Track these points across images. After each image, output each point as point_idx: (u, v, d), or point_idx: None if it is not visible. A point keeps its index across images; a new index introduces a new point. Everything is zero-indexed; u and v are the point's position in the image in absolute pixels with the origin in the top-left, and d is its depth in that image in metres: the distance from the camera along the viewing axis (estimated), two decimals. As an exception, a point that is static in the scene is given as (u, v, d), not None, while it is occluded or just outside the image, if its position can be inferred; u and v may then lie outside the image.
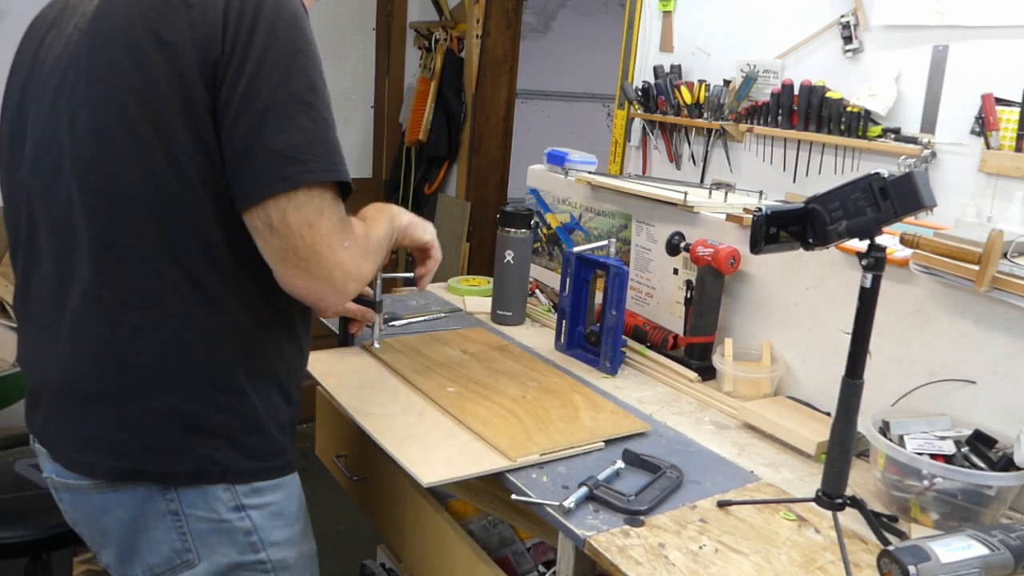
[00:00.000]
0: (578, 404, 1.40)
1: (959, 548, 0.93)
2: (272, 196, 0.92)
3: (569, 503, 1.08)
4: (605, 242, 1.67)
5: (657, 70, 2.17)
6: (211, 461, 1.02)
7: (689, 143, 2.16)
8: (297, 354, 1.14)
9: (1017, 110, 1.47)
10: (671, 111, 2.15)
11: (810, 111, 1.80)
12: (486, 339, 1.72)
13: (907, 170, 1.14)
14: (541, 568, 1.67)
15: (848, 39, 1.75)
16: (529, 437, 1.25)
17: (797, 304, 1.47)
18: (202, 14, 0.91)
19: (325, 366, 1.48)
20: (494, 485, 1.25)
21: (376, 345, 1.59)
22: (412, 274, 1.41)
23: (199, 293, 0.98)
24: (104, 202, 0.96)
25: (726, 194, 1.72)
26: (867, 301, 1.02)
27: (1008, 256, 1.19)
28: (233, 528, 1.06)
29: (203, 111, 0.92)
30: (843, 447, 1.06)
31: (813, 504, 1.09)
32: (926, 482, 1.08)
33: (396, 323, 1.77)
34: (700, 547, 1.03)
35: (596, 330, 1.62)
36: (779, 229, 1.06)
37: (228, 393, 1.03)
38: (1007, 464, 1.09)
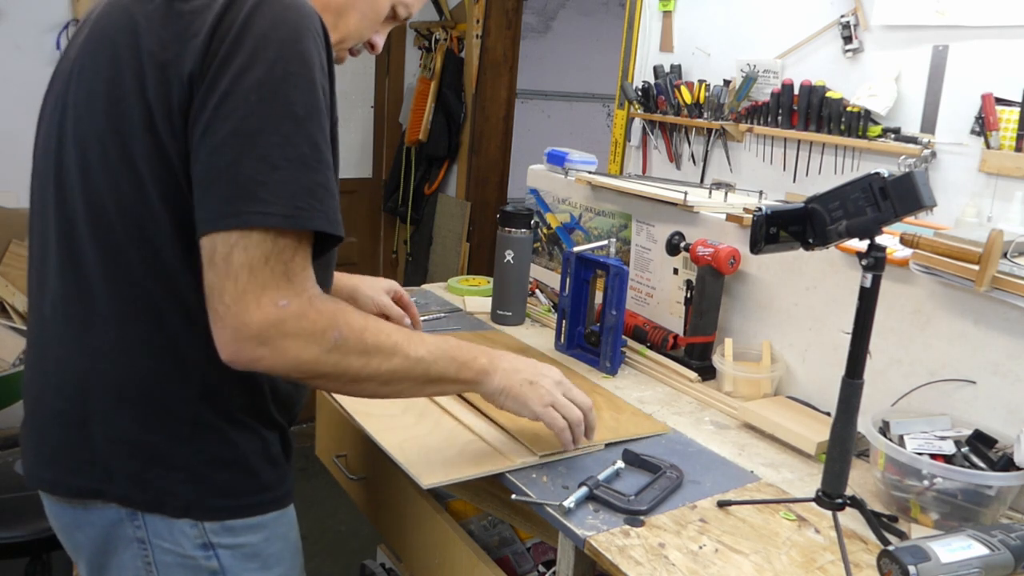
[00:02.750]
0: (600, 405, 1.41)
1: (959, 548, 0.93)
2: (222, 230, 0.82)
3: (569, 503, 1.08)
4: (605, 242, 1.67)
5: (657, 70, 2.17)
6: (170, 494, 0.95)
7: (689, 143, 2.16)
8: (288, 384, 1.03)
9: (1017, 110, 1.47)
10: (671, 111, 2.15)
11: (810, 111, 1.80)
12: (506, 340, 1.73)
13: (907, 170, 1.14)
14: (541, 568, 1.67)
15: (848, 39, 1.75)
16: (552, 434, 1.25)
17: (797, 304, 1.47)
18: (191, 23, 0.85)
19: (325, 366, 1.48)
20: (494, 485, 1.25)
21: None
22: None
23: (159, 320, 0.91)
24: (71, 215, 0.92)
25: (726, 194, 1.72)
26: (867, 301, 1.02)
27: (1008, 256, 1.18)
28: (199, 566, 0.97)
29: (167, 128, 0.85)
30: (843, 447, 1.05)
31: (813, 504, 1.09)
32: (926, 482, 1.08)
33: (396, 323, 1.77)
34: (700, 547, 1.03)
35: (596, 330, 1.62)
36: (779, 229, 1.06)
37: (191, 426, 0.94)
38: (1007, 464, 1.09)
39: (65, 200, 0.93)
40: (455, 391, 1.05)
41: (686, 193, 1.63)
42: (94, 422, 0.94)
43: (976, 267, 1.15)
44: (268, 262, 0.83)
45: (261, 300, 0.82)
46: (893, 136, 1.68)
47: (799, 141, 1.86)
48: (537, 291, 2.04)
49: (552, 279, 2.04)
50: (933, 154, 1.61)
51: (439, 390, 1.07)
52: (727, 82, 2.02)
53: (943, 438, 1.15)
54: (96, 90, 0.90)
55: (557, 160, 2.01)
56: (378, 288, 1.51)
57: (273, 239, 0.83)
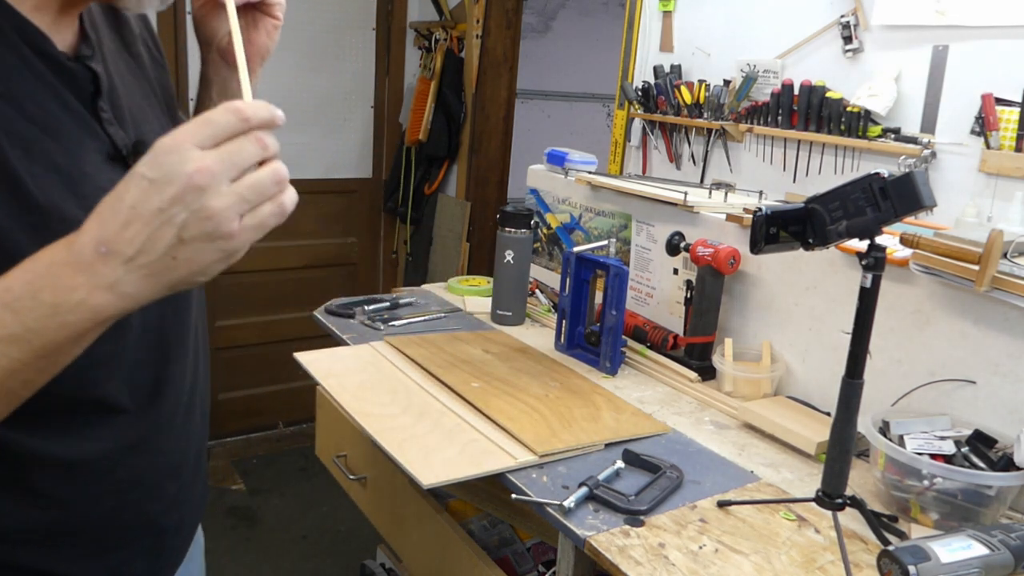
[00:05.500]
0: (600, 404, 1.41)
1: (959, 548, 0.93)
2: None
3: (569, 503, 1.08)
4: (605, 242, 1.67)
5: (657, 70, 2.17)
6: None
7: (689, 143, 2.16)
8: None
9: (1017, 110, 1.47)
10: (671, 111, 2.15)
11: (810, 111, 1.80)
12: (506, 340, 1.73)
13: (907, 170, 1.14)
14: (541, 568, 1.67)
15: (848, 39, 1.75)
16: (554, 434, 1.26)
17: (797, 304, 1.47)
18: None
19: (325, 366, 1.48)
20: (494, 485, 1.25)
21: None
22: None
23: None
24: None
25: (726, 194, 1.72)
26: (867, 301, 1.02)
27: (1008, 256, 1.18)
28: None
29: None
30: (843, 447, 1.05)
31: (813, 504, 1.09)
32: (926, 482, 1.08)
33: (396, 323, 1.77)
34: (700, 547, 1.03)
35: (596, 330, 1.62)
36: (779, 229, 1.06)
37: None
38: (1007, 464, 1.09)
39: None
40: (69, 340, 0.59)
41: (686, 193, 1.63)
42: None
43: (976, 267, 1.15)
44: None
45: None
46: (893, 136, 1.68)
47: (799, 141, 1.86)
48: (537, 291, 2.04)
49: (552, 279, 2.04)
50: (933, 154, 1.61)
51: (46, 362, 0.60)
52: (727, 82, 2.02)
53: (943, 438, 1.15)
54: None
55: (557, 160, 2.01)
56: None
57: None
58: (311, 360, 1.48)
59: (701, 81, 2.08)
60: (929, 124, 1.63)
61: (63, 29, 0.72)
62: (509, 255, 1.81)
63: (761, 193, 1.76)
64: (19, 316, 0.56)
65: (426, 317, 1.85)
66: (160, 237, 0.55)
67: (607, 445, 1.28)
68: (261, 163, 0.59)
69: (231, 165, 0.56)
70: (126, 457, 0.79)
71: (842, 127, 1.74)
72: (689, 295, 1.61)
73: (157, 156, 0.55)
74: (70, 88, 0.70)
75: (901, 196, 0.96)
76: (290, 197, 0.60)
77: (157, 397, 0.82)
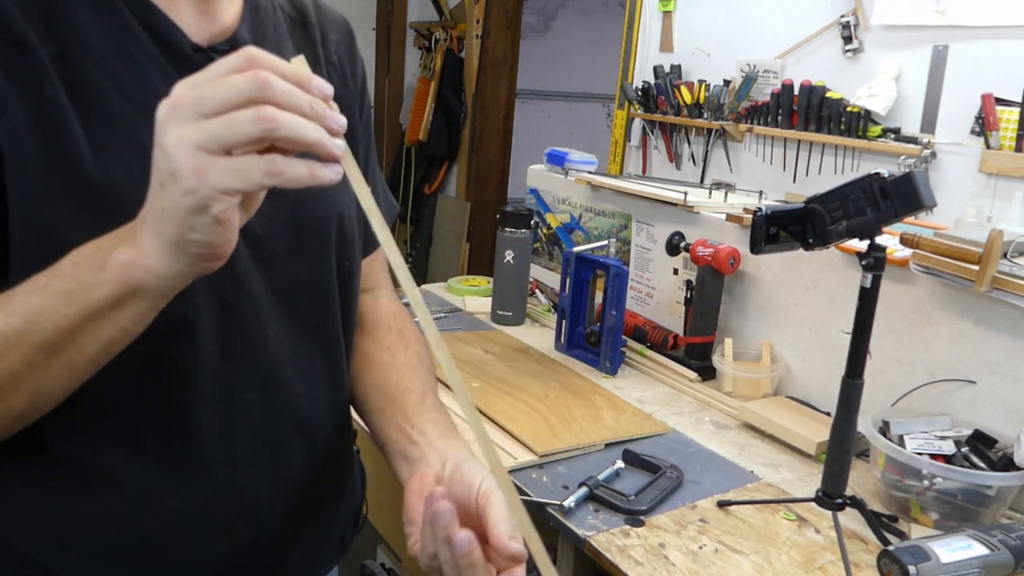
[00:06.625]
0: (600, 405, 1.41)
1: (959, 548, 0.93)
2: None
3: (569, 503, 1.08)
4: (605, 242, 1.67)
5: (657, 70, 2.17)
6: None
7: (689, 143, 2.16)
8: (60, 496, 0.69)
9: (1017, 110, 1.47)
10: (671, 111, 2.15)
11: (810, 111, 1.80)
12: (506, 340, 1.73)
13: (907, 170, 1.14)
14: (541, 568, 1.67)
15: (848, 39, 1.75)
16: (554, 433, 1.26)
17: (797, 304, 1.47)
18: None
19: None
20: (494, 485, 1.25)
21: None
22: None
23: None
24: None
25: (726, 194, 1.72)
26: (867, 301, 1.02)
27: (1008, 256, 1.18)
28: None
29: None
30: (843, 447, 1.05)
31: (813, 504, 1.09)
32: (926, 482, 1.08)
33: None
34: (700, 547, 1.03)
35: (596, 330, 1.62)
36: (779, 229, 1.06)
37: None
38: (1007, 464, 1.09)
39: None
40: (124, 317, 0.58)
41: (686, 193, 1.63)
42: None
43: (976, 267, 1.15)
44: None
45: None
46: (893, 136, 1.68)
47: (799, 141, 1.86)
48: (537, 291, 2.04)
49: (552, 279, 2.04)
50: (933, 154, 1.61)
51: (98, 333, 0.58)
52: (727, 82, 2.02)
53: (943, 438, 1.15)
54: None
55: (557, 160, 2.01)
56: None
57: None
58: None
59: (701, 81, 2.08)
60: (929, 124, 1.63)
61: (208, 21, 0.72)
62: (509, 255, 1.81)
63: (761, 193, 1.76)
64: (77, 269, 0.57)
65: (426, 317, 1.85)
66: (153, 189, 0.53)
67: (607, 445, 1.28)
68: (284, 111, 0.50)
69: (200, 98, 0.50)
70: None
71: (842, 127, 1.74)
72: (689, 295, 1.61)
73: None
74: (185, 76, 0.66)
75: (901, 196, 0.96)
76: (290, 163, 0.51)
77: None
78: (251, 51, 0.50)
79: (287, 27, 0.80)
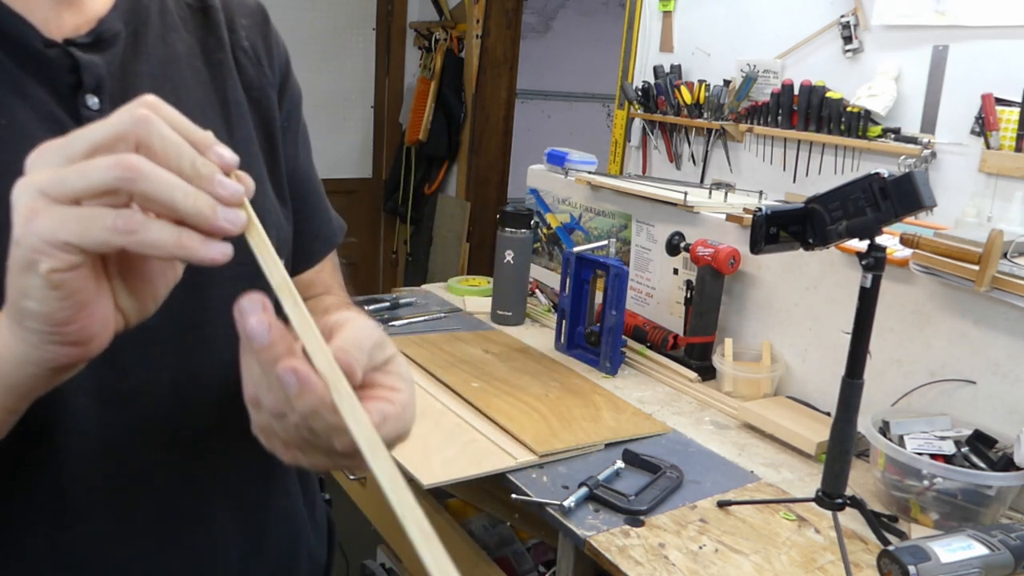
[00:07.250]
0: (600, 405, 1.41)
1: (959, 548, 0.93)
2: None
3: (569, 503, 1.08)
4: (605, 242, 1.67)
5: (657, 70, 2.17)
6: None
7: (689, 143, 2.16)
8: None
9: (1017, 110, 1.47)
10: (671, 111, 2.15)
11: (810, 111, 1.80)
12: (506, 340, 1.73)
13: (907, 170, 1.14)
14: (541, 568, 1.67)
15: (848, 39, 1.75)
16: (554, 433, 1.26)
17: (797, 304, 1.47)
18: None
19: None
20: (494, 485, 1.25)
21: None
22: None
23: None
24: None
25: (726, 194, 1.72)
26: (867, 301, 1.02)
27: (1008, 256, 1.18)
28: None
29: None
30: (843, 447, 1.05)
31: (813, 504, 1.09)
32: (926, 482, 1.08)
33: (397, 323, 1.77)
34: (700, 547, 1.03)
35: (596, 330, 1.62)
36: (779, 229, 1.06)
37: None
38: (1007, 464, 1.09)
39: None
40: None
41: (686, 193, 1.63)
42: None
43: (976, 267, 1.15)
44: None
45: None
46: (893, 136, 1.68)
47: (799, 141, 1.86)
48: (537, 291, 2.04)
49: (552, 279, 2.04)
50: (933, 154, 1.61)
51: None
52: (727, 82, 2.02)
53: (943, 438, 1.15)
54: None
55: (557, 160, 2.01)
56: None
57: None
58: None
59: (701, 81, 2.08)
60: (929, 124, 1.63)
61: (71, 11, 0.62)
62: (509, 255, 1.81)
63: (761, 193, 1.76)
64: None
65: (426, 317, 1.85)
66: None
67: (607, 445, 1.28)
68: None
69: (70, 141, 0.41)
70: None
71: (842, 127, 1.74)
72: (689, 295, 1.61)
73: None
74: (37, 78, 0.59)
75: (901, 196, 0.96)
76: (151, 224, 0.40)
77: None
78: (150, 98, 0.42)
79: (182, 14, 0.71)
